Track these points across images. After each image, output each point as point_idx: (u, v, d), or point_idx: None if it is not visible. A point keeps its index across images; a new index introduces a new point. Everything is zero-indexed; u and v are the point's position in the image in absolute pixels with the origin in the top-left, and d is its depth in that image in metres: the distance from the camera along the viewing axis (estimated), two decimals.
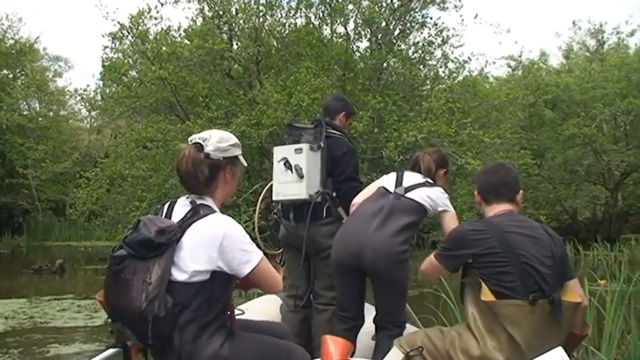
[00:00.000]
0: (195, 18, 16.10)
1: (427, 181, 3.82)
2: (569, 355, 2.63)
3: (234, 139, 2.79)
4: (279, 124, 12.28)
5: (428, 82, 16.23)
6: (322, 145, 3.99)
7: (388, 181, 3.83)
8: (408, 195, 3.69)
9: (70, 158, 23.74)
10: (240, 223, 10.55)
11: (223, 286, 2.62)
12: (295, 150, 3.96)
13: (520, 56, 25.57)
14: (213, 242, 2.55)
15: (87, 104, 19.84)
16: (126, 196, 14.79)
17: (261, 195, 4.36)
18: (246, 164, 2.88)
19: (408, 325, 3.82)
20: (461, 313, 4.72)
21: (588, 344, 4.99)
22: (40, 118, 25.37)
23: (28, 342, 6.83)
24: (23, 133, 23.78)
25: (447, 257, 3.01)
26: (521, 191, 3.09)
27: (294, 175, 3.91)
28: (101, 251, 17.72)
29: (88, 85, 42.28)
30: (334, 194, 4.00)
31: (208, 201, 2.71)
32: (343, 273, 3.68)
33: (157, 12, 14.99)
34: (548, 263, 2.79)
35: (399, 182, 3.78)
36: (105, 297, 2.60)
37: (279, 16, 15.61)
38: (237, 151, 2.79)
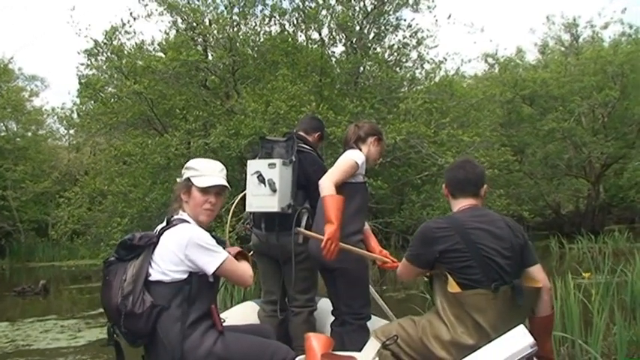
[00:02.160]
0: (168, 31, 15.99)
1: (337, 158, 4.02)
2: (541, 340, 2.95)
3: (192, 164, 3.28)
4: (257, 133, 12.21)
5: (405, 83, 16.24)
6: (294, 159, 4.21)
7: None
8: None
9: (50, 177, 23.50)
10: (222, 233, 10.44)
11: (201, 286, 3.03)
12: (269, 164, 4.15)
13: (496, 54, 25.69)
14: (179, 245, 2.99)
15: (64, 122, 19.75)
16: (107, 213, 14.63)
17: (232, 207, 4.78)
18: (208, 185, 3.21)
19: (376, 318, 4.08)
20: None
21: (575, 338, 4.99)
22: (17, 139, 25.10)
23: None
24: (1, 154, 23.52)
25: (416, 256, 3.21)
26: (485, 185, 3.29)
27: (267, 188, 4.11)
28: (85, 270, 17.55)
29: (64, 103, 42.06)
30: (307, 206, 4.22)
31: (184, 215, 3.20)
32: (321, 275, 4.09)
33: (130, 26, 14.88)
34: (507, 254, 3.01)
35: None
36: (100, 299, 3.03)
37: (253, 24, 15.57)
38: (189, 173, 3.24)
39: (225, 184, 3.28)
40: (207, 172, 3.24)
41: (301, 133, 4.46)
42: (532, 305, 3.10)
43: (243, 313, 4.42)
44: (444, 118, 13.59)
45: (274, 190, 4.09)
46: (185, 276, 2.99)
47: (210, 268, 3.01)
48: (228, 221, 4.92)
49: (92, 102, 17.11)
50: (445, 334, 2.98)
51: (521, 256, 3.08)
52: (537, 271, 3.12)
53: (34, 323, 9.36)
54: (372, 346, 3.21)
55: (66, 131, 27.40)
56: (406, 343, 3.11)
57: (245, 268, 3.19)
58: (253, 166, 4.23)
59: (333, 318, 4.07)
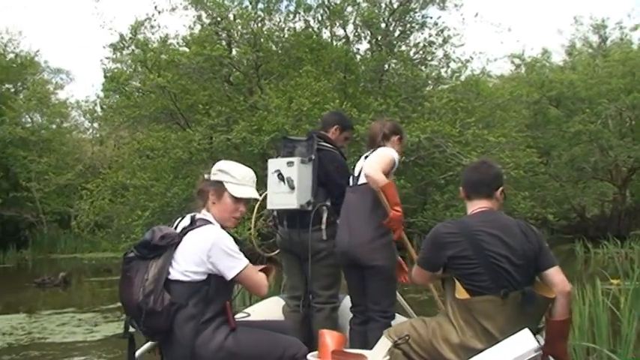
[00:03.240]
0: (192, 25, 15.98)
1: (367, 154, 4.07)
2: (555, 342, 2.94)
3: (227, 168, 3.26)
4: (280, 129, 12.16)
5: (430, 82, 16.07)
6: (313, 157, 4.27)
7: (351, 178, 4.15)
8: (360, 182, 4.00)
9: (73, 170, 23.57)
10: (243, 231, 10.32)
11: (219, 288, 3.06)
12: (287, 163, 4.26)
13: (522, 54, 25.36)
14: (203, 248, 3.01)
15: (87, 115, 19.84)
16: (129, 206, 14.68)
17: (256, 206, 4.67)
18: (243, 196, 3.24)
19: (399, 316, 4.07)
20: None
21: (602, 347, 4.82)
22: (42, 131, 25.25)
23: (25, 359, 6.68)
24: (26, 146, 23.61)
25: (425, 260, 3.20)
26: (500, 188, 3.23)
27: (286, 186, 4.21)
28: (106, 263, 17.57)
29: (87, 96, 42.36)
30: (327, 203, 4.28)
31: (208, 216, 3.19)
32: (346, 272, 4.10)
33: (154, 20, 14.89)
34: (517, 262, 2.94)
35: (353, 175, 4.12)
36: (118, 294, 3.07)
37: (278, 20, 15.53)
38: (224, 178, 3.23)
39: (258, 196, 3.36)
40: (243, 181, 3.27)
41: (322, 132, 4.52)
42: (543, 313, 3.05)
43: (268, 309, 4.48)
44: (470, 118, 13.39)
45: (293, 188, 4.18)
46: (204, 277, 3.03)
47: (230, 274, 3.05)
48: (253, 219, 5.05)
49: (116, 96, 17.19)
50: (454, 337, 2.98)
51: (535, 261, 3.00)
52: (554, 274, 3.01)
53: (52, 316, 9.33)
54: (383, 344, 3.21)
55: (90, 124, 27.55)
56: (417, 344, 3.11)
57: (261, 279, 3.21)
58: (273, 164, 4.34)
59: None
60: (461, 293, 2.97)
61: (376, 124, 4.32)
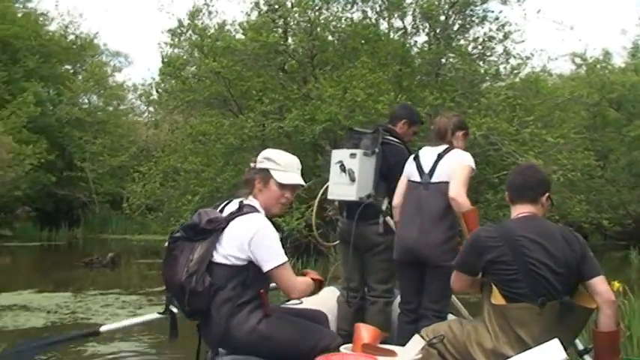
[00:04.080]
0: (249, 12, 15.96)
1: (440, 153, 4.05)
2: (605, 357, 2.93)
3: (272, 156, 3.34)
4: (332, 119, 12.08)
5: (488, 78, 15.71)
6: (377, 150, 4.33)
7: (411, 172, 4.11)
8: (434, 179, 3.97)
9: (127, 152, 23.87)
10: (292, 220, 10.41)
11: (257, 275, 3.12)
12: (350, 154, 4.34)
13: (584, 54, 24.67)
14: (246, 235, 3.09)
15: (143, 98, 20.07)
16: (179, 191, 14.79)
17: (319, 195, 4.95)
18: (288, 182, 3.31)
19: (451, 316, 4.07)
20: None
21: None
22: (98, 113, 25.67)
23: None
24: (82, 126, 24.05)
25: (462, 264, 3.19)
26: (547, 194, 3.16)
27: (347, 177, 4.28)
28: (154, 245, 17.79)
29: (144, 79, 42.87)
30: (386, 198, 4.33)
31: (254, 202, 3.27)
32: (403, 268, 4.09)
33: (212, 5, 14.94)
34: (558, 270, 2.89)
35: (420, 169, 4.06)
36: (162, 271, 3.22)
37: (335, 9, 15.37)
38: (269, 165, 3.30)
39: (303, 183, 3.42)
40: (288, 167, 3.33)
41: (389, 125, 4.56)
42: (583, 324, 3.05)
43: (323, 297, 4.48)
44: (528, 116, 13.04)
45: (353, 180, 4.23)
46: (245, 263, 3.11)
47: (265, 267, 3.11)
48: (315, 208, 5.38)
49: (172, 80, 17.34)
50: (488, 342, 2.97)
51: (578, 270, 2.95)
52: (599, 283, 2.94)
53: (97, 296, 9.41)
54: (417, 342, 3.22)
55: (146, 108, 27.88)
56: (452, 345, 3.11)
57: (294, 282, 3.23)
58: (337, 155, 4.45)
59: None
60: (497, 299, 2.97)
61: (442, 119, 4.30)
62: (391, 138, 4.44)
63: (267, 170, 3.30)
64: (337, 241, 4.83)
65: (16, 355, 3.60)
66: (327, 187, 4.60)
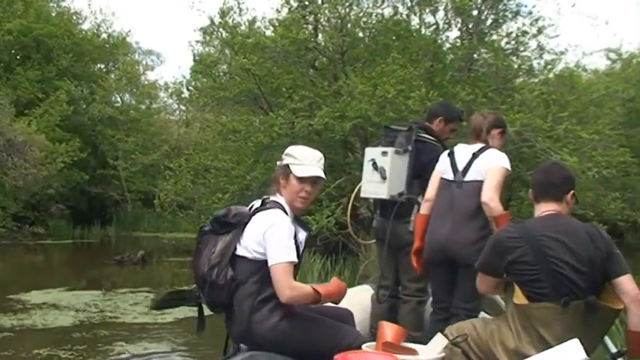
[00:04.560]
0: (280, 8, 15.92)
1: (475, 152, 3.99)
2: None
3: (292, 151, 3.41)
4: (363, 116, 11.97)
5: (521, 73, 15.45)
6: (410, 148, 4.34)
7: (445, 168, 4.06)
8: (467, 178, 3.92)
9: (159, 150, 24.03)
10: (321, 218, 10.38)
11: None
12: (382, 152, 4.37)
13: (619, 49, 24.18)
14: (262, 228, 3.19)
15: (173, 96, 20.18)
16: (209, 189, 14.81)
17: (354, 192, 4.97)
18: (305, 175, 3.32)
19: (483, 313, 4.07)
20: None
21: None
22: (131, 111, 25.86)
23: (93, 338, 6.70)
24: (114, 125, 24.26)
25: (484, 265, 3.17)
26: (571, 192, 3.12)
27: (379, 175, 4.31)
28: (186, 243, 17.87)
29: (175, 77, 43.14)
30: (419, 197, 4.31)
31: (279, 199, 3.36)
32: (434, 267, 4.06)
33: (243, 2, 14.94)
34: (582, 269, 2.84)
35: (454, 167, 4.00)
36: (191, 263, 3.37)
37: (366, 5, 15.22)
38: (289, 160, 3.37)
39: (322, 174, 3.40)
40: (306, 161, 3.37)
41: (425, 123, 4.59)
42: (609, 325, 3.02)
43: (357, 296, 4.55)
44: (563, 112, 12.79)
45: (384, 178, 4.27)
46: (265, 258, 3.15)
47: (270, 261, 3.13)
48: (349, 207, 5.45)
49: (203, 79, 17.41)
50: (511, 342, 2.96)
51: (603, 268, 2.90)
52: (625, 282, 2.90)
53: (126, 294, 9.40)
54: (440, 341, 3.23)
55: (177, 106, 28.04)
56: (475, 343, 3.11)
57: (286, 287, 3.07)
58: (370, 153, 4.49)
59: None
60: (519, 298, 2.95)
61: (478, 117, 4.25)
62: (426, 136, 4.44)
63: (287, 166, 3.37)
64: (373, 240, 4.86)
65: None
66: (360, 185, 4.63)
